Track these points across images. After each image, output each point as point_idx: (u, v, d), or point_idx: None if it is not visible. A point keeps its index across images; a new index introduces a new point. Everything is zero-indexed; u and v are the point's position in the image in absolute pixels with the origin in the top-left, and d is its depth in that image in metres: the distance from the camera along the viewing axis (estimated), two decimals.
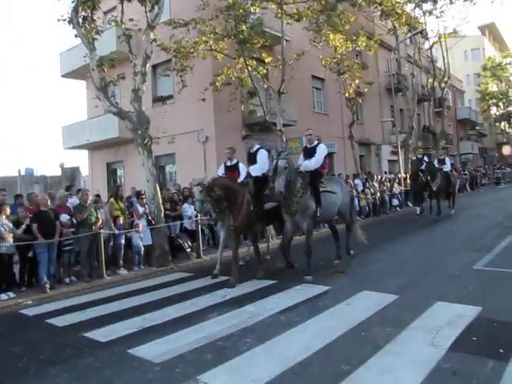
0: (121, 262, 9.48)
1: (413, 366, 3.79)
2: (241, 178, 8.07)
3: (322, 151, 8.04)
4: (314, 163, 7.86)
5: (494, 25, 54.03)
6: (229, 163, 8.45)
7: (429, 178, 14.90)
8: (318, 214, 7.65)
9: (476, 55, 51.11)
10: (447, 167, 15.73)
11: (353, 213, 9.60)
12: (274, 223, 9.48)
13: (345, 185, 9.72)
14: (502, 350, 4.00)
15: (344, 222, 9.20)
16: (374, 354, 4.08)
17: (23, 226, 8.13)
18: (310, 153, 8.07)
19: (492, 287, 6.17)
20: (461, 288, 6.18)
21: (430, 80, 27.82)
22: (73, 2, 10.04)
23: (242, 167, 8.27)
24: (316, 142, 8.23)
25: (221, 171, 8.45)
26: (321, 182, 8.00)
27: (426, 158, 15.87)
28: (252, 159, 8.21)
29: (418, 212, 15.60)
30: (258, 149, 8.23)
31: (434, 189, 14.88)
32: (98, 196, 10.76)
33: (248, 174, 8.07)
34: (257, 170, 8.01)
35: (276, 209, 7.96)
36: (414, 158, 16.54)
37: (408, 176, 17.87)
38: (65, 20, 10.31)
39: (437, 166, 15.50)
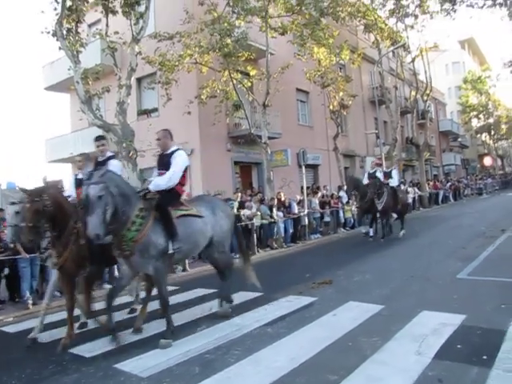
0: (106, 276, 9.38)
1: (399, 375, 3.81)
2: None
3: (180, 161, 5.70)
4: (166, 180, 5.52)
5: (473, 39, 55.28)
6: (80, 176, 6.25)
7: (374, 195, 13.00)
8: (171, 251, 5.26)
9: (457, 68, 52.10)
10: (394, 182, 13.79)
11: (242, 247, 7.01)
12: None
13: (222, 205, 6.71)
14: (485, 357, 4.04)
15: (215, 260, 6.36)
16: (361, 364, 4.09)
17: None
18: (164, 162, 5.75)
19: (475, 295, 6.24)
20: (445, 297, 6.25)
21: (413, 93, 28.24)
22: (57, 14, 10.06)
23: None
24: (174, 148, 5.87)
25: (71, 187, 6.56)
26: (179, 203, 5.73)
27: (378, 174, 13.58)
28: None
29: (363, 230, 14.11)
30: (110, 158, 6.02)
31: (380, 208, 13.07)
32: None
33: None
34: None
35: None
36: (369, 172, 14.07)
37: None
38: (48, 32, 10.32)
39: (382, 179, 13.48)
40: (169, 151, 5.81)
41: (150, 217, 5.24)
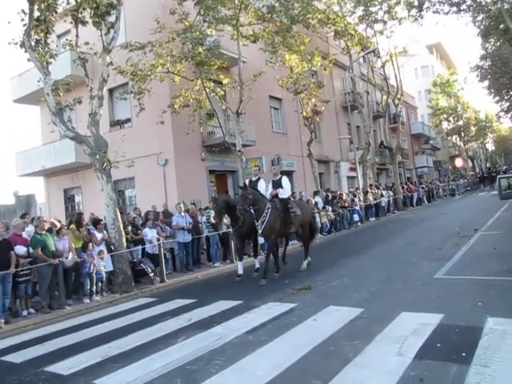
0: (91, 289, 9.21)
1: (382, 376, 3.83)
2: None
3: None
4: None
5: (440, 44, 56.79)
6: None
7: (244, 212, 9.48)
8: None
9: (426, 72, 53.38)
10: (284, 192, 9.91)
11: None
12: None
13: None
14: (464, 354, 4.11)
15: None
16: (344, 367, 4.09)
17: None
18: None
19: (452, 294, 6.35)
20: (423, 297, 6.33)
21: (384, 97, 28.72)
22: (24, 25, 9.84)
23: None
24: None
25: None
26: None
27: (261, 183, 10.20)
28: None
29: (239, 271, 9.82)
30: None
31: (260, 231, 9.44)
32: (55, 223, 10.38)
33: None
34: None
35: None
36: (250, 179, 10.60)
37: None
38: (16, 43, 10.09)
39: (269, 191, 10.02)
40: None
41: None
